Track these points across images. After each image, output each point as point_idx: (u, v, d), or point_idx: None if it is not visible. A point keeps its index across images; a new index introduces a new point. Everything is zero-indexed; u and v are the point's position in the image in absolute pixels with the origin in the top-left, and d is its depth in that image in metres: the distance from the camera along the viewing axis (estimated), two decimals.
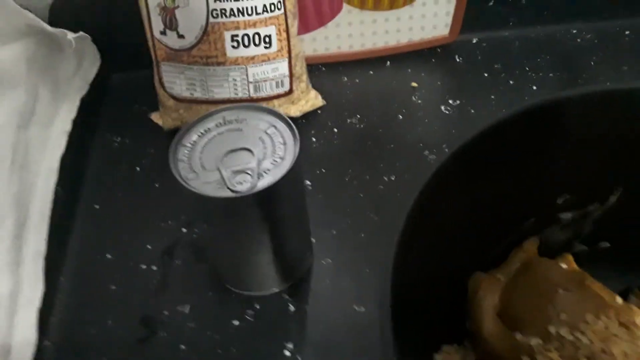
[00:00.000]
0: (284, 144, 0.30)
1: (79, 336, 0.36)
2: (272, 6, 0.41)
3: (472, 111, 0.47)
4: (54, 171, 0.41)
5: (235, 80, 0.43)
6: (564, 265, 0.31)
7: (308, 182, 0.42)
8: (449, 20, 0.50)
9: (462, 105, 0.47)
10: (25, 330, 0.34)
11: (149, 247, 0.39)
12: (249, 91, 0.43)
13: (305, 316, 0.36)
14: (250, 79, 0.43)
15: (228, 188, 0.29)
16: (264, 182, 0.29)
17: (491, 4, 0.52)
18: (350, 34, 0.50)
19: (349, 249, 0.38)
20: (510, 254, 0.32)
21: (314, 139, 0.46)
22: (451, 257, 0.29)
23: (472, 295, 0.30)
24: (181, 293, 0.37)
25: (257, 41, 0.42)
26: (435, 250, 0.28)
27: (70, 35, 0.44)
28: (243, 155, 0.30)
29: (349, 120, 0.47)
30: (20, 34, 0.42)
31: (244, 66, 0.42)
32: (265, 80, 0.43)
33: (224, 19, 0.41)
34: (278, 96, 0.45)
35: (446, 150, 0.27)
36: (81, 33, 0.46)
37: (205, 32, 0.41)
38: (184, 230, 0.40)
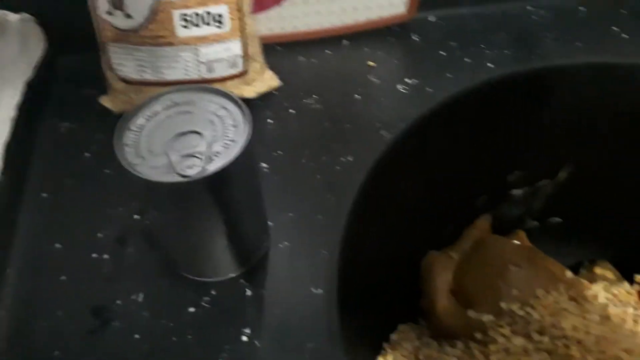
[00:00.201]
0: (235, 126, 0.30)
1: (28, 330, 0.34)
2: None
3: (429, 90, 0.47)
4: None
5: (186, 61, 0.41)
6: (516, 242, 0.31)
7: (264, 165, 0.41)
8: None
9: (418, 84, 0.47)
10: None
11: (99, 235, 0.38)
12: (200, 72, 0.42)
13: (262, 301, 0.35)
14: (202, 60, 0.42)
15: (176, 172, 0.28)
16: (214, 166, 0.28)
17: None
18: (306, 12, 0.49)
19: (306, 231, 0.38)
20: (463, 232, 0.32)
21: (270, 121, 0.45)
22: (405, 237, 0.29)
23: (425, 274, 0.30)
24: (134, 282, 0.36)
25: (208, 20, 0.41)
26: (389, 230, 0.28)
27: (13, 16, 0.42)
28: (192, 138, 0.29)
29: (305, 101, 0.46)
30: None
31: (195, 46, 0.41)
32: (217, 61, 0.42)
33: None
34: (232, 77, 0.43)
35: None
36: (24, 14, 0.43)
37: (153, 11, 0.39)
38: (136, 217, 0.39)
